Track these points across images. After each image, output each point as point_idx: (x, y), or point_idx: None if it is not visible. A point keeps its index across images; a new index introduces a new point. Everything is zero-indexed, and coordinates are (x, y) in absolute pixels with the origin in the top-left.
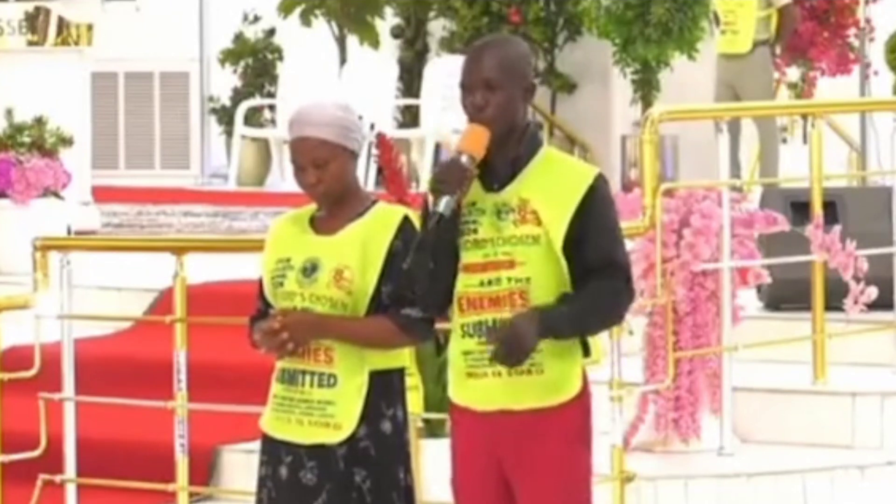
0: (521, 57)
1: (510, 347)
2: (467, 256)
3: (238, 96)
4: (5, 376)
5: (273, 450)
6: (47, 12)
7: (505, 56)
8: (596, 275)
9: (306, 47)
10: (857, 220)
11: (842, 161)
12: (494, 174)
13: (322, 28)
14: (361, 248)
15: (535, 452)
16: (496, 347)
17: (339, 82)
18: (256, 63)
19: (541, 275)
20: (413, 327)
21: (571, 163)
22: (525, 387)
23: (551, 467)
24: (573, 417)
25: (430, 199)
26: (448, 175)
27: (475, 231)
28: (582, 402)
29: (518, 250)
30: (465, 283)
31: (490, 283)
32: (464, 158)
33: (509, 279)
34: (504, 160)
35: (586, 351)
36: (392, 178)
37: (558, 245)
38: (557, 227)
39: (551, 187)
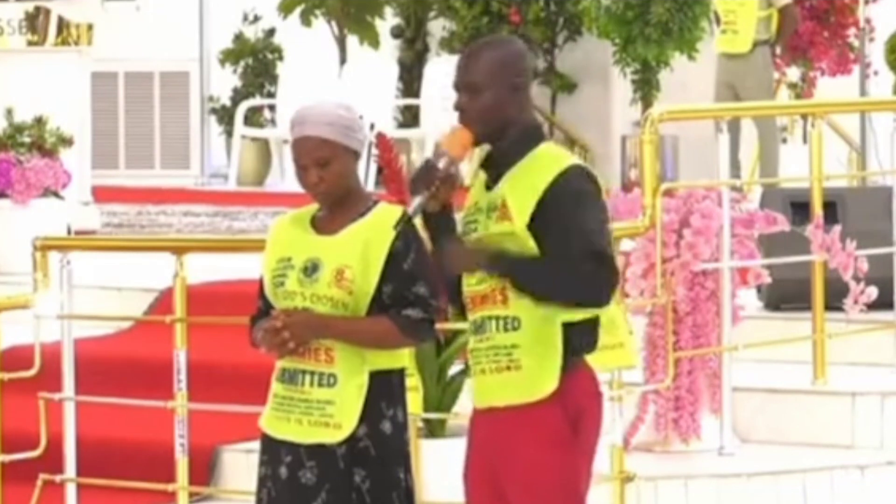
0: (510, 56)
1: (447, 257)
2: None
3: (238, 96)
4: (5, 376)
5: (273, 449)
6: (47, 12)
7: (491, 58)
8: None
9: (306, 47)
10: (857, 220)
11: (842, 161)
12: (491, 174)
13: (322, 28)
14: (362, 249)
15: (513, 451)
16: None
17: (339, 82)
18: (256, 63)
19: None
20: (414, 328)
21: (551, 156)
22: (503, 383)
23: (524, 467)
24: (549, 417)
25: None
26: (420, 175)
27: (475, 230)
28: (561, 401)
29: None
30: (467, 283)
31: (481, 281)
32: (442, 160)
33: (491, 277)
34: (500, 159)
35: (588, 348)
36: (392, 178)
37: (525, 238)
38: (521, 219)
39: (524, 182)
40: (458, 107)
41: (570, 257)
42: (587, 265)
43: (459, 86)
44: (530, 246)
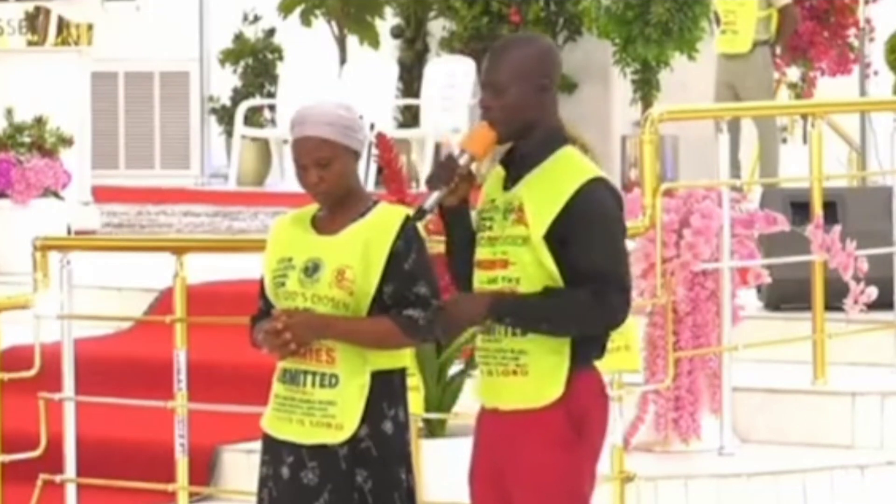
0: (537, 56)
1: (443, 321)
2: (480, 253)
3: (238, 96)
4: (5, 376)
5: (274, 450)
6: (47, 12)
7: (515, 58)
8: (579, 282)
9: (306, 47)
10: (857, 220)
11: (842, 161)
12: (511, 173)
13: (322, 28)
14: (363, 249)
15: (517, 453)
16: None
17: (339, 82)
18: (256, 63)
19: (529, 276)
20: (415, 328)
21: (573, 165)
22: (509, 387)
23: (529, 469)
24: (554, 422)
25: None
26: (439, 170)
27: (490, 228)
28: (566, 403)
29: (511, 250)
30: (477, 280)
31: (492, 281)
32: (464, 157)
33: (503, 278)
34: (521, 160)
35: (596, 356)
36: (392, 178)
37: (540, 247)
38: (538, 229)
39: (543, 189)
40: (483, 105)
41: (580, 285)
42: (599, 291)
43: (485, 84)
44: (542, 254)
